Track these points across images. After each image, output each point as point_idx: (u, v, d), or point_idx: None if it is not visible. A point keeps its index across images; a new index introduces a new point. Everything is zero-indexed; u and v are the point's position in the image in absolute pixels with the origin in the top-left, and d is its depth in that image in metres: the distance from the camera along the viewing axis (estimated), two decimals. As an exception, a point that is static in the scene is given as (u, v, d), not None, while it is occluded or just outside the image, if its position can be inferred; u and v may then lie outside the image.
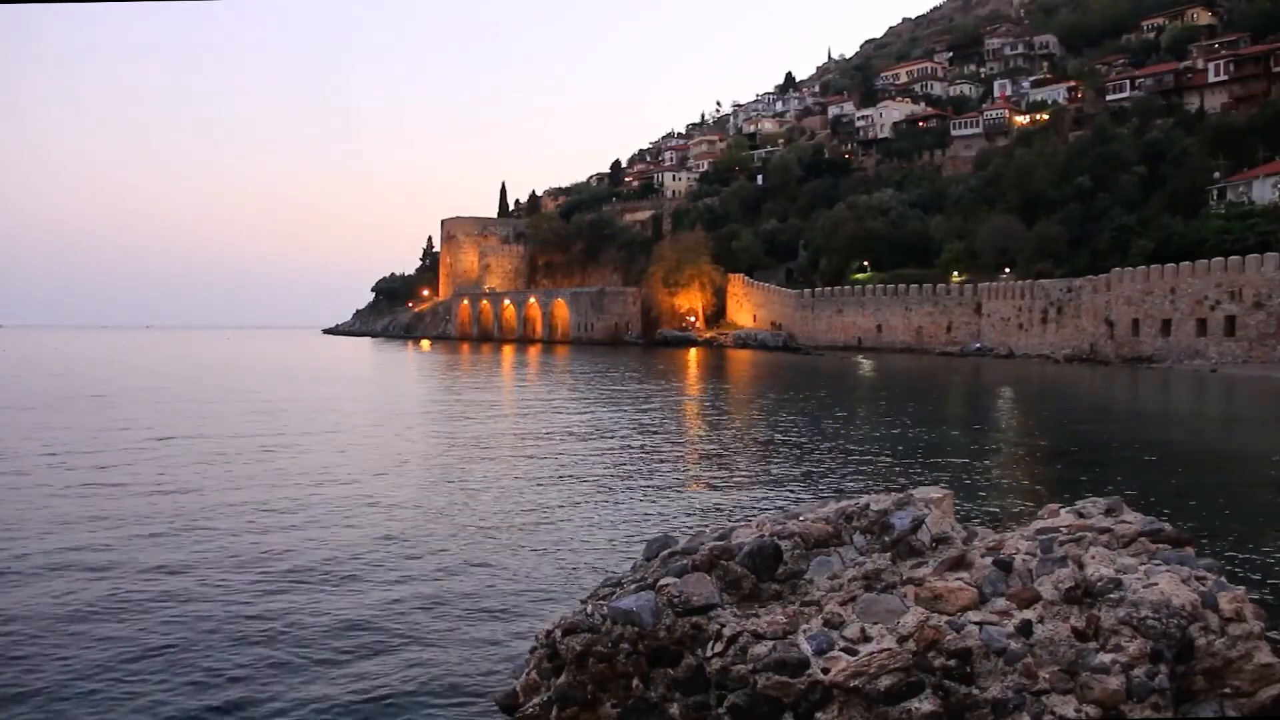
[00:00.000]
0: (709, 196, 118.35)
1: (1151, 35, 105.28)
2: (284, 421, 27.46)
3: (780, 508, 13.33)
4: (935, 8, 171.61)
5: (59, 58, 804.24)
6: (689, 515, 14.08)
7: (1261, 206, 62.85)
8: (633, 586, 5.20)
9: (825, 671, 4.54)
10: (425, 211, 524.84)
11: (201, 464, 18.96)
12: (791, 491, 15.96)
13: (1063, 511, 5.63)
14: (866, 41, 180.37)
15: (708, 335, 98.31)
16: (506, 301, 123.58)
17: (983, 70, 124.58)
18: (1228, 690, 4.49)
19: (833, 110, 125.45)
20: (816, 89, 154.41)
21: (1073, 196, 75.45)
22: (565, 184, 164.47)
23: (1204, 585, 4.68)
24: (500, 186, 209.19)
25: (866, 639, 4.62)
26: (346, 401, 35.61)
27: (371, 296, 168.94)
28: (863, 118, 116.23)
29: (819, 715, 4.50)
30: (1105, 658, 4.43)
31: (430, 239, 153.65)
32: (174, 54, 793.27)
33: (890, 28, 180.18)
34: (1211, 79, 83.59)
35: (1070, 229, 73.69)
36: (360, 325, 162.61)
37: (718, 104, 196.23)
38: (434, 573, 10.79)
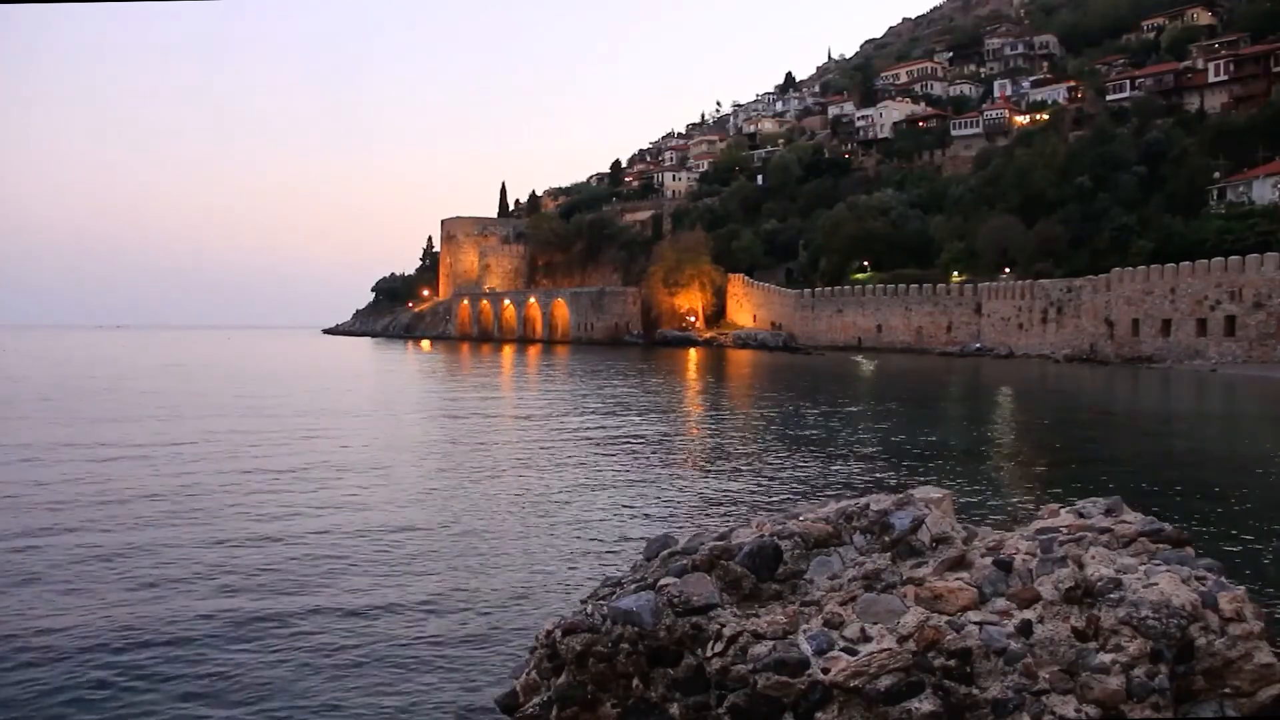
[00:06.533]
0: (709, 196, 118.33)
1: (1151, 35, 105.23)
2: (282, 422, 27.45)
3: (780, 508, 13.34)
4: (935, 8, 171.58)
5: (62, 56, 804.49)
6: (689, 515, 14.08)
7: (1261, 206, 62.87)
8: (633, 586, 5.19)
9: (825, 671, 4.53)
10: (425, 211, 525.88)
11: (200, 464, 18.96)
12: (791, 491, 15.96)
13: (1063, 511, 5.63)
14: (866, 41, 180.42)
15: (708, 335, 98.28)
16: (506, 301, 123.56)
17: (983, 70, 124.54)
18: (1228, 690, 4.49)
19: (833, 110, 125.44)
20: (816, 89, 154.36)
21: (1073, 196, 75.43)
22: (565, 184, 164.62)
23: (1204, 585, 4.67)
24: (500, 186, 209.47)
25: (866, 639, 4.62)
26: (346, 402, 35.60)
27: (371, 296, 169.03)
28: (863, 118, 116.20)
29: (819, 715, 4.50)
30: (1105, 658, 4.43)
31: (430, 239, 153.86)
32: (170, 52, 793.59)
33: (890, 28, 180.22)
34: (1211, 79, 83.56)
35: (1070, 229, 73.68)
36: (360, 325, 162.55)
37: (718, 104, 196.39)
38: (433, 573, 10.79)
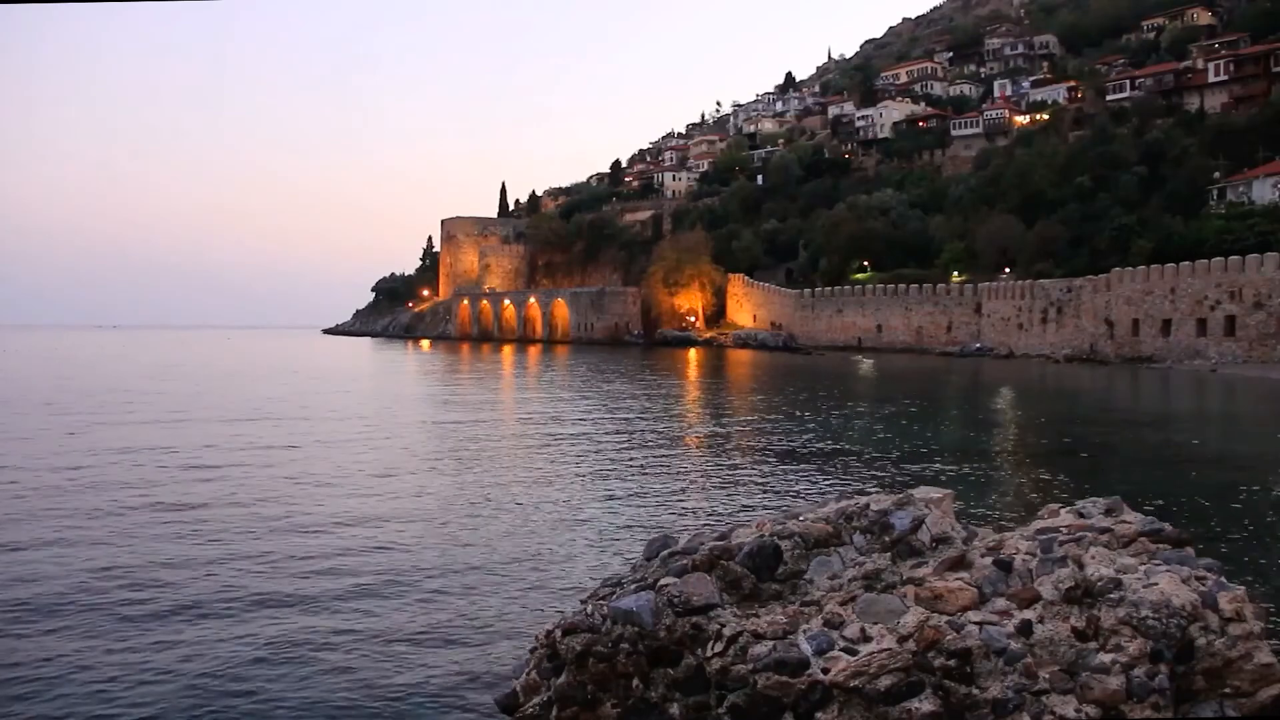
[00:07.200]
0: (709, 196, 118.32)
1: (1151, 35, 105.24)
2: (282, 423, 27.44)
3: (780, 508, 13.33)
4: (935, 8, 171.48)
5: (62, 56, 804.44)
6: (689, 515, 14.08)
7: (1261, 206, 62.83)
8: (633, 586, 5.19)
9: (825, 671, 4.53)
10: (425, 211, 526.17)
11: (200, 467, 18.96)
12: (791, 491, 15.96)
13: (1063, 511, 5.63)
14: (866, 41, 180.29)
15: (708, 335, 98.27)
16: (506, 301, 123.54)
17: (983, 70, 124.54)
18: (1228, 690, 4.49)
19: (833, 110, 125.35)
20: (816, 89, 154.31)
21: (1073, 196, 75.40)
22: (565, 184, 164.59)
23: (1204, 585, 4.67)
24: (500, 186, 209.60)
25: (866, 639, 4.62)
26: (346, 402, 35.59)
27: (371, 296, 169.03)
28: (863, 118, 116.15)
29: (819, 715, 4.49)
30: (1105, 658, 4.43)
31: (430, 239, 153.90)
32: (170, 52, 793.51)
33: (890, 28, 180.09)
34: (1211, 79, 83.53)
35: (1070, 229, 73.65)
36: (360, 325, 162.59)
37: (718, 104, 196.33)
38: (434, 573, 10.78)
